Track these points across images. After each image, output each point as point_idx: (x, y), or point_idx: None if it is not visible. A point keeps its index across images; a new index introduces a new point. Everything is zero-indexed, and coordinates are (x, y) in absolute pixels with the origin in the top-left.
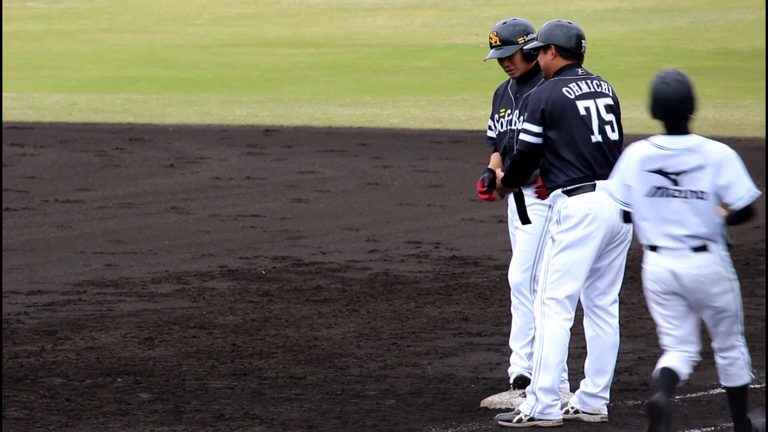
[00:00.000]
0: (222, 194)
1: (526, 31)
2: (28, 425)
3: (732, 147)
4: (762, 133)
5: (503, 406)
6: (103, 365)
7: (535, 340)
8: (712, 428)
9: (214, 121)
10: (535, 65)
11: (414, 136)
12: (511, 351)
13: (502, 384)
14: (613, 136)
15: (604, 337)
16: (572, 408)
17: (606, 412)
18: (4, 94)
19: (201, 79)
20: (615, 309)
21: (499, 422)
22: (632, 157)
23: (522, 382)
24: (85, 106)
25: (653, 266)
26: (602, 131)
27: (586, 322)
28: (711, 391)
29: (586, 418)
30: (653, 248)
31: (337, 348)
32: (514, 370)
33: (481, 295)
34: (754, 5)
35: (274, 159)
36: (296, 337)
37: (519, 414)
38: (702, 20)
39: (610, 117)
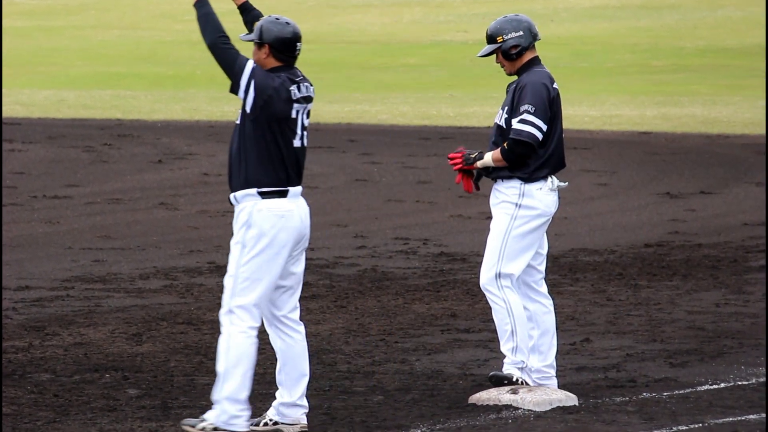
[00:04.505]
0: (210, 190)
1: (508, 29)
2: (16, 421)
3: (720, 144)
4: (750, 130)
5: (491, 403)
6: (90, 361)
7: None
8: (700, 425)
9: (203, 117)
10: (527, 62)
11: (402, 132)
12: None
13: None
14: (306, 142)
15: (294, 345)
16: (271, 420)
17: (305, 421)
18: None
19: (189, 76)
20: (297, 315)
21: (183, 426)
22: None
23: (496, 380)
24: (73, 102)
25: None
26: (302, 137)
27: (271, 333)
28: (699, 388)
29: (285, 429)
30: None
31: (325, 344)
32: (505, 368)
33: (469, 292)
34: (743, 2)
35: None
36: None
37: (204, 421)
38: (690, 17)
39: (307, 123)
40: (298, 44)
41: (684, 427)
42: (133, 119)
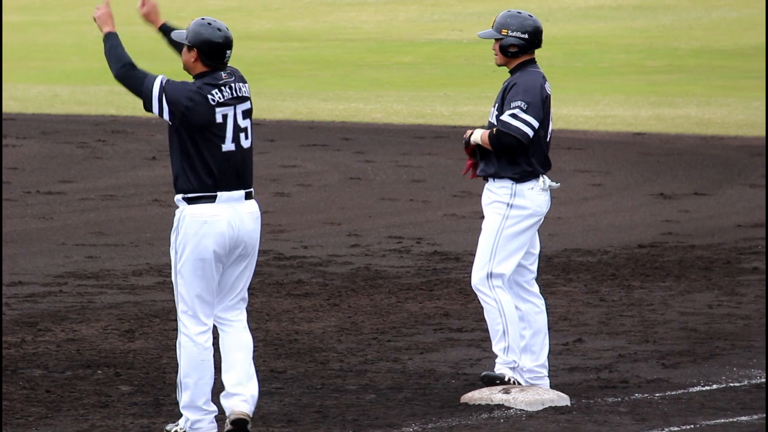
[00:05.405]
0: None
1: (515, 27)
2: (8, 416)
3: (715, 145)
4: (744, 132)
5: (483, 402)
6: (83, 357)
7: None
8: (692, 426)
9: None
10: (522, 62)
11: (397, 131)
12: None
13: None
14: (247, 144)
15: (226, 338)
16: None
17: (240, 409)
18: None
19: (184, 72)
20: (238, 315)
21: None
22: None
23: (488, 380)
24: (67, 97)
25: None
26: (236, 139)
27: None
28: (691, 389)
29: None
30: None
31: (318, 342)
32: (497, 368)
33: (462, 291)
34: (738, 4)
35: (257, 153)
36: (277, 331)
37: (177, 425)
38: (685, 18)
39: (246, 124)
40: (228, 51)
41: (676, 428)
42: (127, 115)
